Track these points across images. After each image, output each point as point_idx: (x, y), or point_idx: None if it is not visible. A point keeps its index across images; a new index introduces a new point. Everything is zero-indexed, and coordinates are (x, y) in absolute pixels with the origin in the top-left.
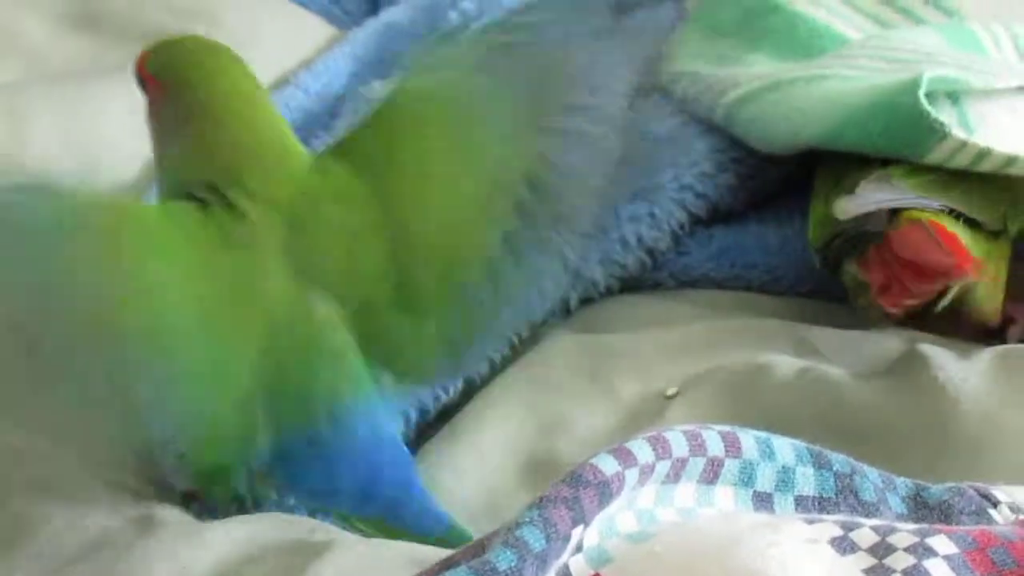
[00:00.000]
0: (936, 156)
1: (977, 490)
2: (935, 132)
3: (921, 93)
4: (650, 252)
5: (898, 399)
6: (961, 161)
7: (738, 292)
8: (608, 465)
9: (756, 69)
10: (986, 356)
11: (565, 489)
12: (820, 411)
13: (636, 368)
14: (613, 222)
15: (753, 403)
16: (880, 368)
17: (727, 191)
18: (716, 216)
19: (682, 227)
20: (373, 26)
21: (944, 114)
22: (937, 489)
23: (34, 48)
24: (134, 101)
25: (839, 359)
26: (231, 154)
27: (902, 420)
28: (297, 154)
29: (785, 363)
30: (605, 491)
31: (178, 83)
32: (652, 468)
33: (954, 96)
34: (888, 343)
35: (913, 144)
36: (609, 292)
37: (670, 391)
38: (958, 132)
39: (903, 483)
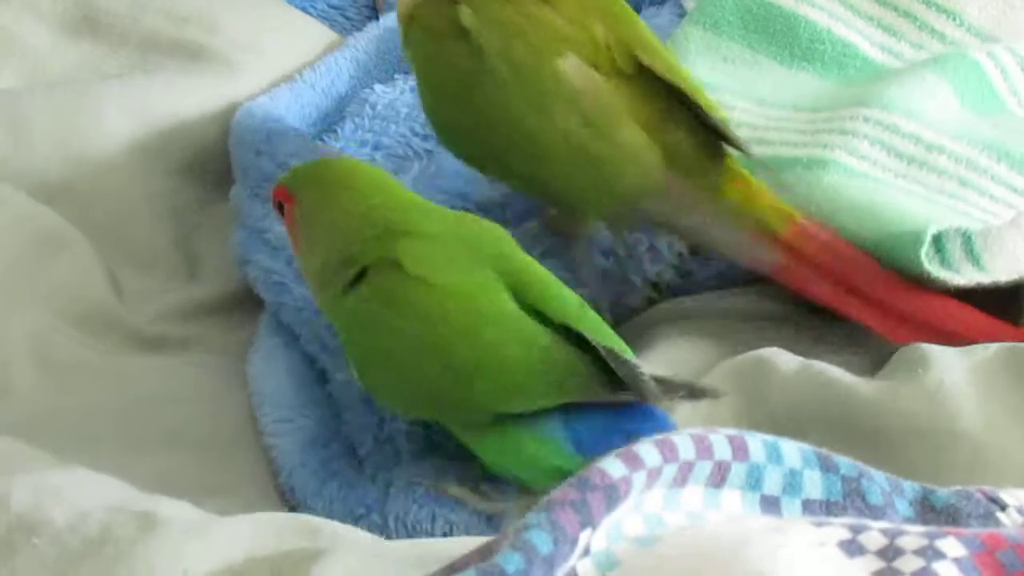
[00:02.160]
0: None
1: (985, 493)
2: (939, 282)
3: (923, 252)
4: (655, 286)
5: (901, 402)
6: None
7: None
8: (615, 469)
9: (749, 115)
10: (991, 355)
11: (572, 492)
12: (823, 409)
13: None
14: (613, 263)
15: (757, 400)
16: (880, 362)
17: None
18: None
19: (681, 255)
20: (374, 31)
21: (949, 243)
22: (944, 492)
23: (34, 54)
24: (131, 107)
25: (840, 355)
26: (388, 213)
27: (904, 423)
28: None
29: (787, 359)
30: (612, 495)
31: (314, 185)
32: (659, 472)
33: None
34: (885, 342)
35: (917, 279)
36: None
37: None
38: (959, 280)
39: (910, 486)
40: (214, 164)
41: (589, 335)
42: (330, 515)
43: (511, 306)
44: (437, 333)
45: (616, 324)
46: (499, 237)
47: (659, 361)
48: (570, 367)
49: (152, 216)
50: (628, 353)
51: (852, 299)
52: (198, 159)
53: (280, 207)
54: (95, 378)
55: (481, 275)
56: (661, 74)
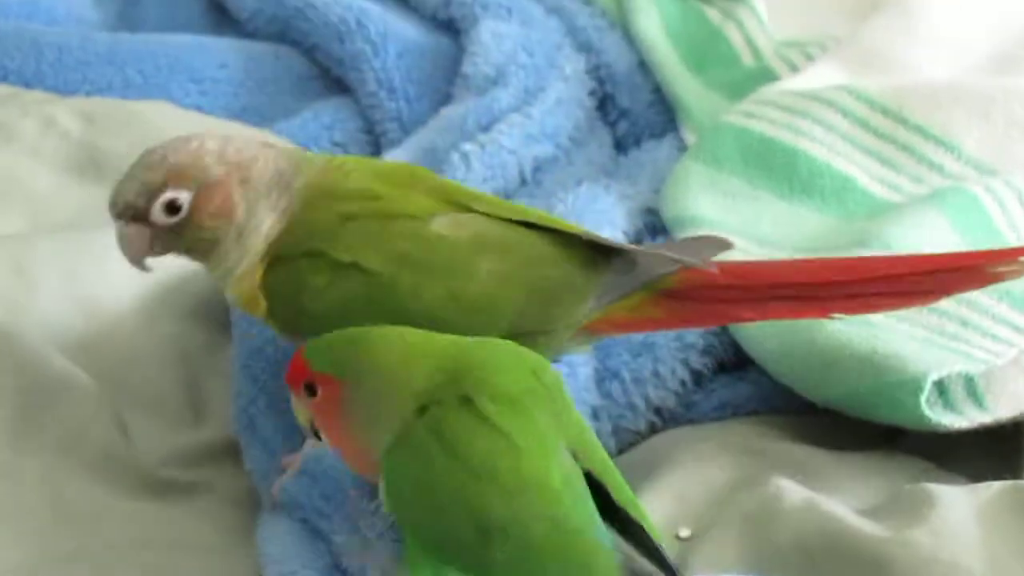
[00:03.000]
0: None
1: None
2: (940, 425)
3: (923, 399)
4: (658, 411)
5: (906, 537)
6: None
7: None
8: None
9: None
10: (995, 494)
11: None
12: (829, 543)
13: (655, 505)
14: (619, 387)
15: (766, 538)
16: (885, 501)
17: (731, 346)
18: (718, 367)
19: (684, 384)
20: None
21: (951, 386)
22: None
23: (39, 197)
24: None
25: (845, 490)
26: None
27: (910, 555)
28: None
29: (793, 492)
30: None
31: (361, 363)
32: None
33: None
34: (893, 474)
35: (918, 426)
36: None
37: (683, 532)
38: (962, 423)
39: None
40: (221, 307)
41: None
42: None
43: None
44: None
45: (619, 451)
46: (559, 384)
47: (664, 490)
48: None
49: (159, 360)
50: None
51: (774, 304)
52: (205, 302)
53: (310, 388)
54: (106, 522)
55: (553, 440)
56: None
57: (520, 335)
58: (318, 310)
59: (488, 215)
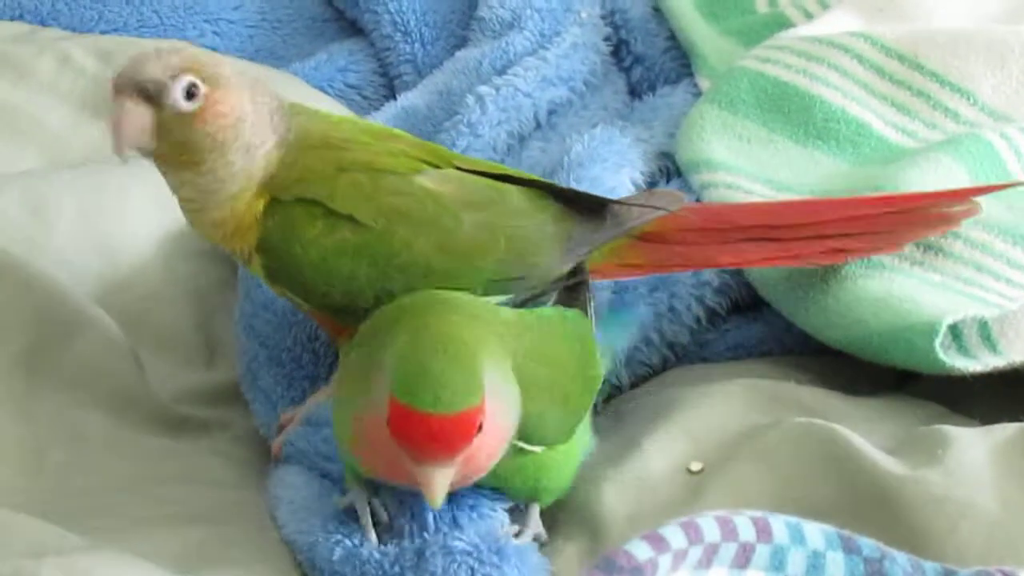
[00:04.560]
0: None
1: (1004, 573)
2: (954, 369)
3: (937, 343)
4: (671, 347)
5: (920, 475)
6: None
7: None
8: (641, 551)
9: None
10: (1011, 435)
11: (599, 574)
12: (847, 482)
13: (665, 441)
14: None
15: (781, 474)
16: (900, 443)
17: (745, 287)
18: (732, 307)
19: (699, 321)
20: (391, 110)
21: (965, 330)
22: (965, 573)
23: (55, 134)
24: (154, 188)
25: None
26: None
27: (923, 492)
28: None
29: (811, 430)
30: None
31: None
32: (685, 554)
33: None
34: (907, 417)
35: (933, 369)
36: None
37: (694, 466)
38: (976, 367)
39: (932, 567)
40: None
41: None
42: None
43: None
44: None
45: (632, 385)
46: None
47: (675, 426)
48: None
49: (174, 298)
50: None
51: (746, 246)
52: None
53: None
54: (121, 457)
55: None
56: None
57: (500, 281)
58: (309, 258)
59: (467, 171)
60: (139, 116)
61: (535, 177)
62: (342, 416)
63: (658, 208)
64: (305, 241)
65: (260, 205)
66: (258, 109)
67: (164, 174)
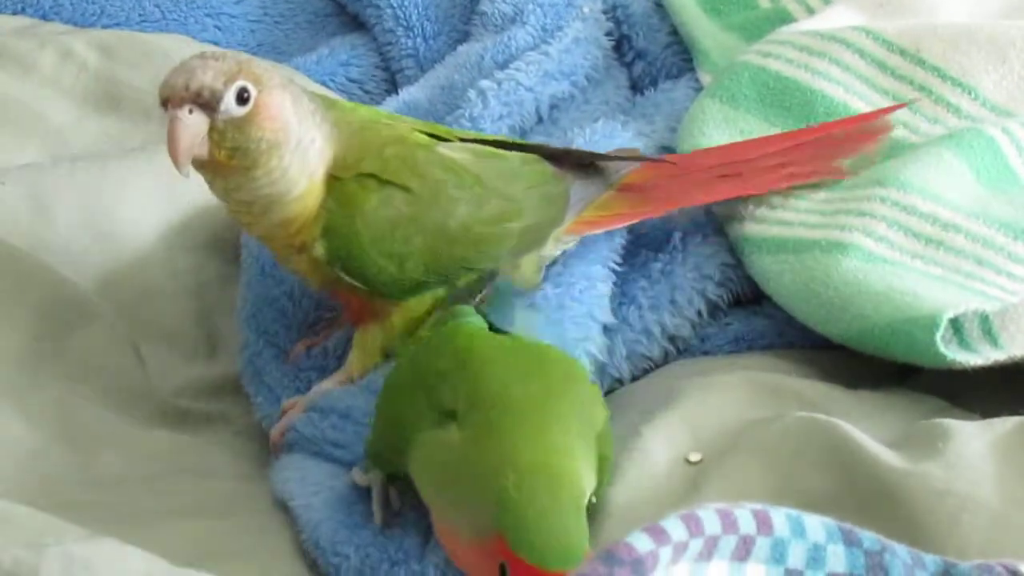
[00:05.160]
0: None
1: (1006, 567)
2: (955, 363)
3: (938, 337)
4: (672, 340)
5: (921, 468)
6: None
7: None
8: (642, 543)
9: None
10: (1011, 428)
11: (600, 567)
12: (847, 476)
13: (665, 431)
14: (635, 312)
15: (782, 467)
16: (901, 436)
17: (746, 281)
18: (734, 300)
19: (700, 314)
20: (392, 104)
21: (966, 324)
22: (965, 566)
23: (57, 129)
24: (155, 182)
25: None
26: None
27: (924, 486)
28: None
29: (812, 424)
30: (639, 569)
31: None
32: (685, 546)
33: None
34: (907, 411)
35: (934, 363)
36: (633, 379)
37: (693, 457)
38: (977, 360)
39: (932, 560)
40: (236, 240)
41: None
42: (364, 562)
43: None
44: None
45: (632, 377)
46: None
47: (675, 417)
48: None
49: (175, 292)
50: None
51: (719, 184)
52: (220, 235)
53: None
54: (121, 449)
55: None
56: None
57: (525, 241)
58: (369, 232)
59: (469, 141)
60: (195, 125)
61: (525, 141)
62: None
63: (638, 159)
64: (364, 213)
65: (323, 193)
66: (301, 107)
67: (211, 182)
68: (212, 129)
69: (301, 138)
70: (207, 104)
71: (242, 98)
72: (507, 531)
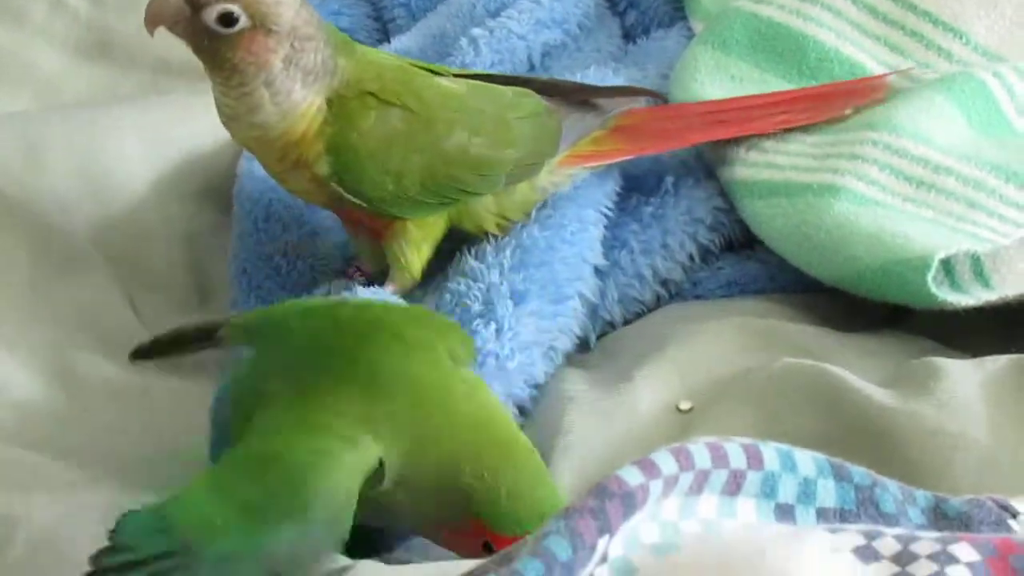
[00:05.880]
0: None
1: (996, 501)
2: (946, 303)
3: (930, 277)
4: (664, 284)
5: (912, 407)
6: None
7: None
8: (633, 477)
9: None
10: (1001, 367)
11: (591, 500)
12: (839, 418)
13: (656, 377)
14: (627, 256)
15: (774, 412)
16: (892, 376)
17: (738, 225)
18: (726, 245)
19: (692, 258)
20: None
21: (958, 266)
22: (956, 501)
23: (48, 77)
24: (147, 130)
25: (851, 368)
26: None
27: (915, 424)
28: None
29: (802, 368)
30: (630, 502)
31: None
32: (676, 480)
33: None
34: (899, 353)
35: (925, 304)
36: (626, 323)
37: (684, 405)
38: (968, 301)
39: (923, 495)
40: (229, 189)
41: None
42: None
43: None
44: None
45: (624, 321)
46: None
47: (666, 363)
48: None
49: (167, 240)
50: None
51: (713, 126)
52: (213, 184)
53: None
54: (116, 396)
55: None
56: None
57: (520, 168)
58: (367, 147)
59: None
60: (174, 6)
61: (518, 75)
62: None
63: (635, 94)
64: (362, 129)
65: (325, 111)
66: (306, 44)
67: (210, 76)
68: (194, 28)
69: (307, 64)
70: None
71: (227, 20)
72: (484, 517)
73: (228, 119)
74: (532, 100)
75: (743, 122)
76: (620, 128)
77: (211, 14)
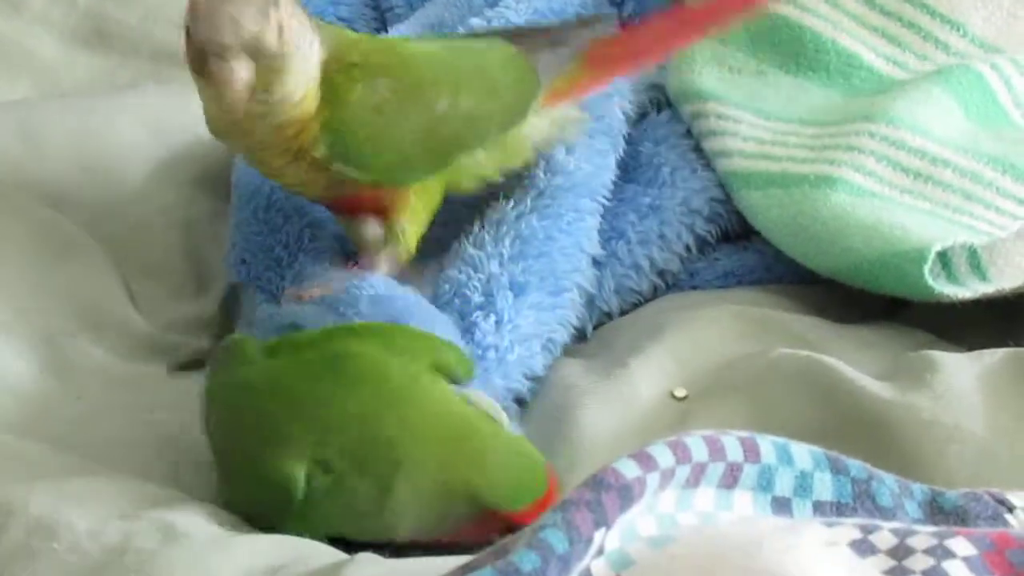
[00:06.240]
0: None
1: (992, 495)
2: (943, 295)
3: (926, 269)
4: (661, 274)
5: (908, 399)
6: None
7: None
8: (629, 469)
9: (755, 129)
10: (998, 360)
11: (587, 492)
12: (834, 409)
13: (652, 365)
14: (624, 246)
15: (769, 402)
16: (888, 368)
17: (735, 216)
18: (722, 235)
19: (689, 249)
20: None
21: (954, 258)
22: (953, 494)
23: (47, 66)
24: (145, 118)
25: (847, 360)
26: None
27: (911, 416)
28: None
29: (798, 359)
30: (626, 495)
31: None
32: (672, 473)
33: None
34: (895, 345)
35: (922, 296)
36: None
37: (679, 392)
38: (964, 294)
39: (919, 489)
40: (227, 176)
41: None
42: None
43: None
44: None
45: (621, 312)
46: None
47: (663, 351)
48: None
49: (164, 227)
50: None
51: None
52: (211, 171)
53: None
54: (112, 384)
55: None
56: None
57: (513, 115)
58: (359, 119)
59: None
60: (246, 72)
61: (480, 32)
62: None
63: (593, 22)
64: (352, 102)
65: (319, 92)
66: (300, 14)
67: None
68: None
69: (309, 47)
70: (249, 48)
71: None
72: (499, 505)
73: (226, 131)
74: (504, 47)
75: (696, 22)
76: (591, 59)
77: (273, 35)
